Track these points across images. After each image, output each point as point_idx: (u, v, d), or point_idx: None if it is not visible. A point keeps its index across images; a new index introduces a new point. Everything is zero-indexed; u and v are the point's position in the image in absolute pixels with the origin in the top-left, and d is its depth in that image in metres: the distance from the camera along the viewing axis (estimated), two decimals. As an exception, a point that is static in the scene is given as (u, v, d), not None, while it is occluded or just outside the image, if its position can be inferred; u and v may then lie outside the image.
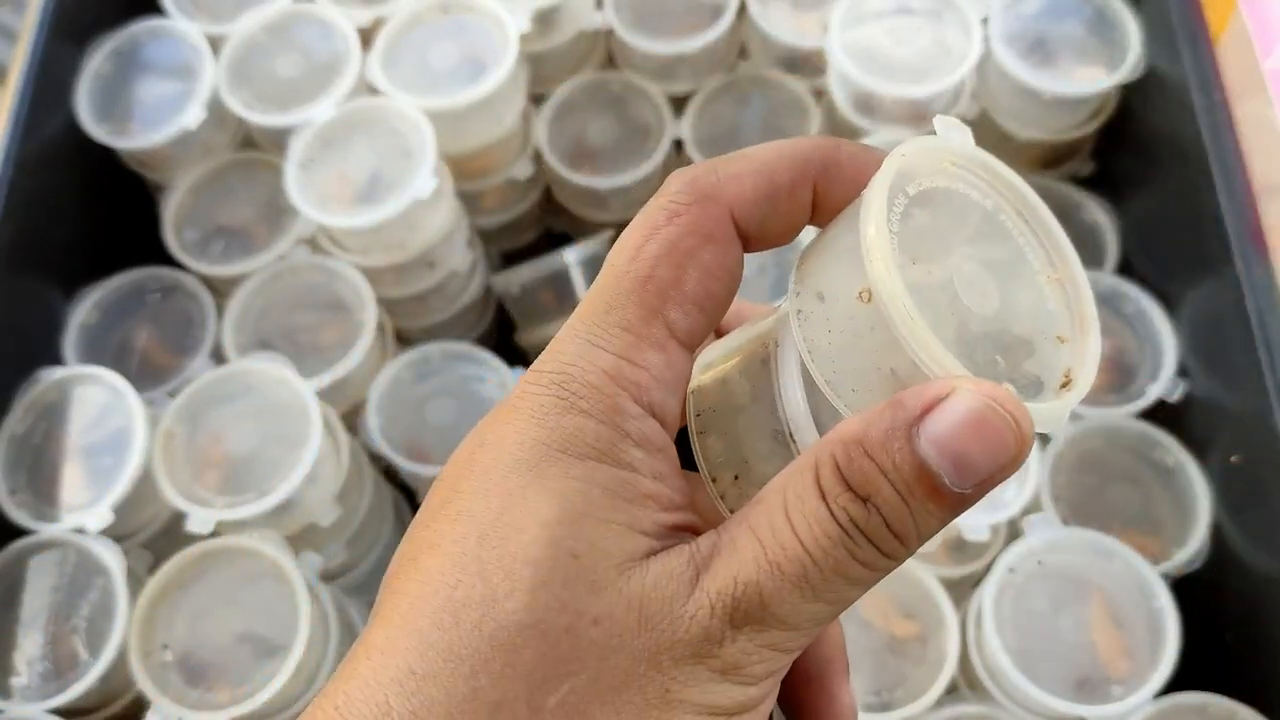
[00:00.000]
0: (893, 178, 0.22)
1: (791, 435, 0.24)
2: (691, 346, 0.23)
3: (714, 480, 0.25)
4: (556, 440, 0.21)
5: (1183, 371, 0.58)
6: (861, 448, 0.20)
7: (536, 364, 0.23)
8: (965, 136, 0.24)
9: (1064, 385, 0.23)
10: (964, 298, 0.22)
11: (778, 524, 0.21)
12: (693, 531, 0.22)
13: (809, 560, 0.20)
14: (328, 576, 0.62)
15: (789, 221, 0.24)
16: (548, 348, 0.23)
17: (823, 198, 0.24)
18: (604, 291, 0.22)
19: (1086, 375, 0.23)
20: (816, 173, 0.23)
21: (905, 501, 0.20)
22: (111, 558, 0.53)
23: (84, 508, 0.54)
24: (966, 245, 0.23)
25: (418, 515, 0.23)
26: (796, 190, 0.23)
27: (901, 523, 0.20)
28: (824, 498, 0.20)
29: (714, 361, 0.26)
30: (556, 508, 0.21)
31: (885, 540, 0.20)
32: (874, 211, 0.21)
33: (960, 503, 0.20)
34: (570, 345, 0.22)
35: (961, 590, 0.60)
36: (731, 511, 0.24)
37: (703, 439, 0.25)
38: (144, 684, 0.50)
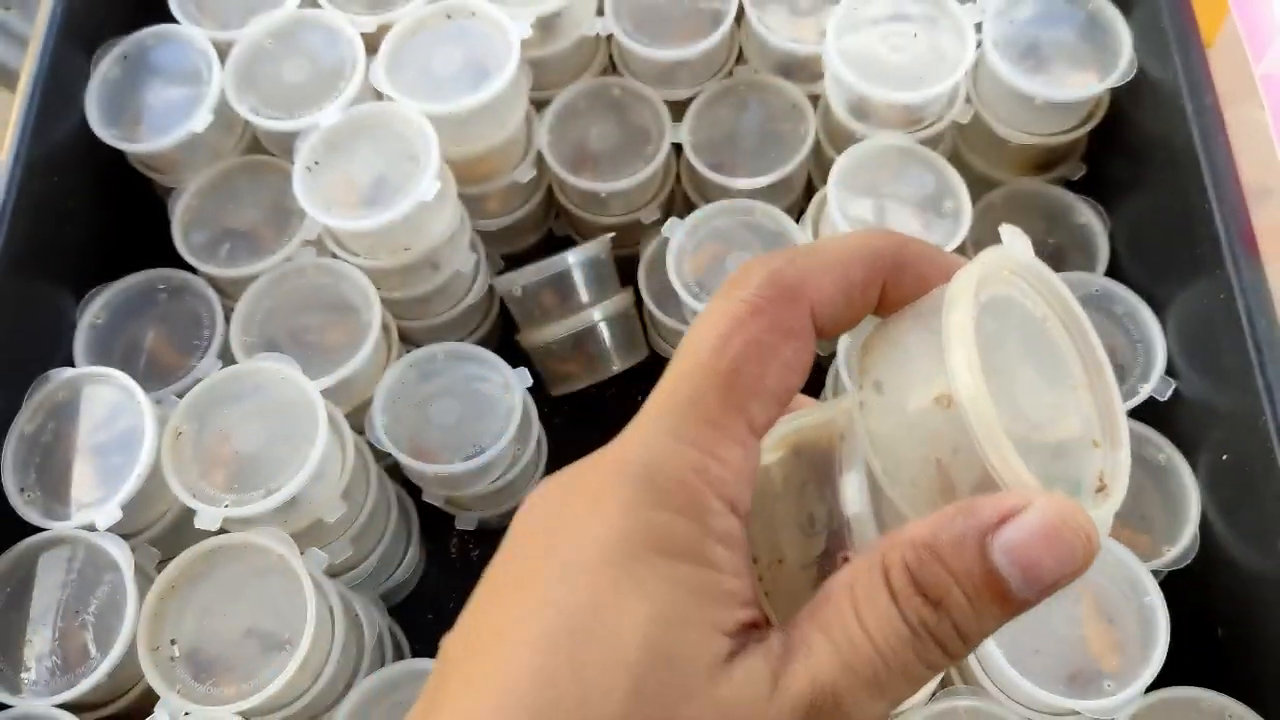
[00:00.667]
0: (975, 288, 0.23)
1: (849, 525, 0.24)
2: (760, 440, 0.23)
3: (754, 560, 0.25)
4: (647, 537, 0.21)
5: (1173, 371, 0.59)
6: (932, 551, 0.21)
7: (618, 449, 0.22)
8: (1027, 246, 0.25)
9: (1099, 489, 0.24)
10: (1023, 405, 0.23)
11: (849, 624, 0.21)
12: (760, 625, 0.22)
13: (880, 661, 0.21)
14: (333, 572, 0.63)
15: (859, 314, 0.24)
16: (629, 432, 0.23)
17: (890, 291, 0.24)
18: (688, 381, 0.22)
19: (1121, 483, 0.24)
20: (888, 269, 0.24)
21: (973, 605, 0.21)
22: (120, 554, 0.54)
23: (93, 506, 0.55)
24: (1023, 352, 0.24)
25: (481, 589, 0.23)
26: (870, 286, 0.24)
27: (968, 625, 0.21)
28: (895, 599, 0.21)
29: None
30: (650, 608, 0.20)
31: (951, 641, 0.21)
32: (962, 326, 0.22)
33: (1023, 606, 0.21)
34: (655, 436, 0.22)
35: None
36: (767, 594, 0.25)
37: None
38: (152, 678, 0.51)
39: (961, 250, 0.67)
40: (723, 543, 0.22)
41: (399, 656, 0.65)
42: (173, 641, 0.52)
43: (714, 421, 0.22)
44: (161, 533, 0.59)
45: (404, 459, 0.62)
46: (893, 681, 0.21)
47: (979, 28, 0.64)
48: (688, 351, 0.23)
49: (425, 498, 0.69)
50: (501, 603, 0.22)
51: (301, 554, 0.54)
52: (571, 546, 0.21)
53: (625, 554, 0.21)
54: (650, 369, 0.80)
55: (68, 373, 0.59)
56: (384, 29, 0.67)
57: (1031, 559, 0.21)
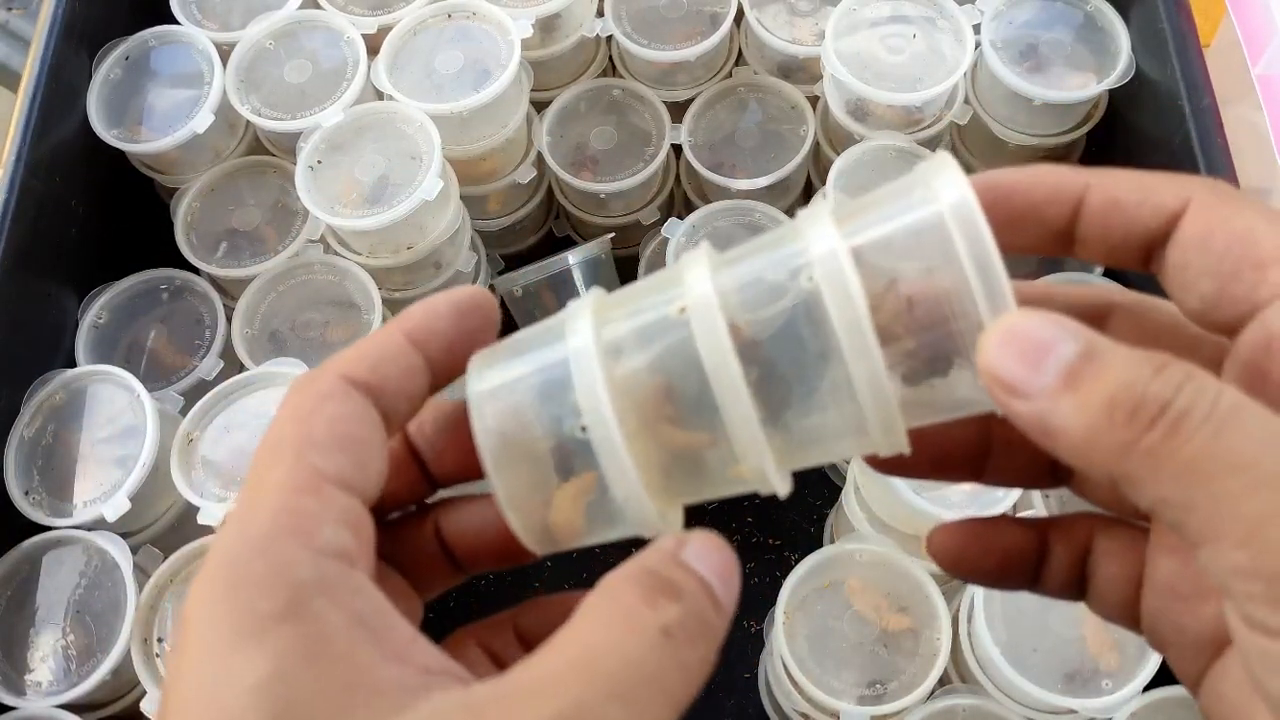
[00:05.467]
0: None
1: None
2: (344, 487, 0.23)
3: None
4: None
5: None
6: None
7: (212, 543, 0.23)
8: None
9: None
10: None
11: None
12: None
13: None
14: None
15: (399, 367, 0.25)
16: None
17: (422, 345, 0.26)
18: (253, 470, 0.23)
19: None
20: (407, 333, 0.26)
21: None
22: (121, 555, 0.54)
23: (100, 500, 0.55)
24: None
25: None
26: (392, 339, 0.25)
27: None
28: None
29: None
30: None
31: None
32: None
33: None
34: (233, 517, 0.23)
35: (954, 585, 0.61)
36: None
37: None
38: (141, 674, 0.51)
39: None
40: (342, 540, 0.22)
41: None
42: (160, 639, 0.53)
43: (281, 485, 0.23)
44: (162, 532, 0.59)
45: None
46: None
47: (977, 29, 0.64)
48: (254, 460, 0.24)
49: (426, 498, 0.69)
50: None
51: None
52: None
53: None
54: (650, 369, 0.81)
55: (71, 371, 0.59)
56: (385, 29, 0.67)
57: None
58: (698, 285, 0.23)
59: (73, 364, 0.63)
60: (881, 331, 0.21)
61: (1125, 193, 0.24)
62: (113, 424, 0.58)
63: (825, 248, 0.22)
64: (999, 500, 0.55)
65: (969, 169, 0.71)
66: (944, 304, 0.21)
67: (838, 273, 0.21)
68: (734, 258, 0.24)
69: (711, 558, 0.22)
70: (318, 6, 0.69)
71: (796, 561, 0.56)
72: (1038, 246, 0.25)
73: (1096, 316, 0.26)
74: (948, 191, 0.22)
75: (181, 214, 0.68)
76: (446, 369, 0.26)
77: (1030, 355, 0.20)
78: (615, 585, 0.22)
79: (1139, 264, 0.25)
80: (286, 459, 0.23)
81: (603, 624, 0.21)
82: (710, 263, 0.23)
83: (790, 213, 0.70)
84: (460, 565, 0.27)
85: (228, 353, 0.64)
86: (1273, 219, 0.22)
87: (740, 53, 0.73)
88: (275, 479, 0.23)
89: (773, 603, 0.55)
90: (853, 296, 0.21)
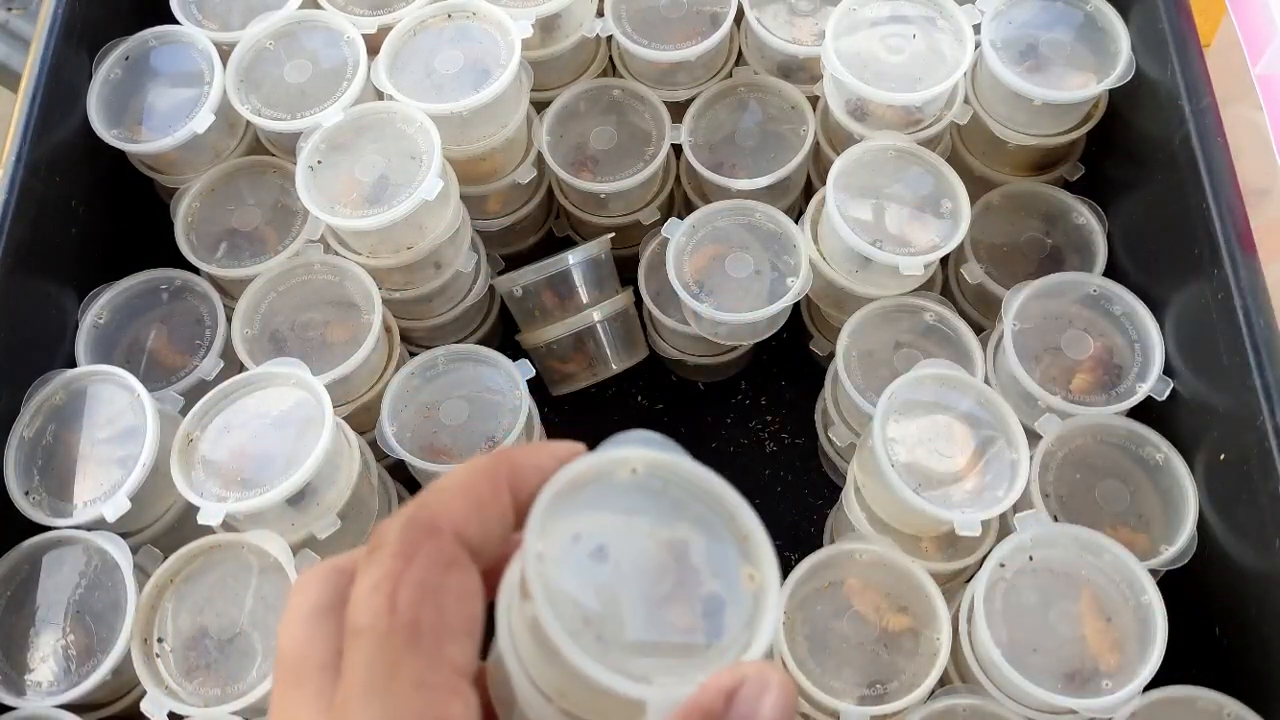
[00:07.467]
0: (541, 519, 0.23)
1: None
2: (471, 676, 0.23)
3: None
4: None
5: (1170, 371, 0.59)
6: None
7: None
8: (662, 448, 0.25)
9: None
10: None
11: None
12: None
13: None
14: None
15: (501, 526, 0.24)
16: (343, 718, 0.21)
17: (518, 494, 0.25)
18: (377, 654, 0.21)
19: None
20: (507, 475, 0.25)
21: None
22: (121, 554, 0.54)
23: (100, 500, 0.55)
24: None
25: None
26: (498, 495, 0.24)
27: None
28: None
29: None
30: None
31: None
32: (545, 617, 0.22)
33: None
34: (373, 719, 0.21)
35: (953, 585, 0.61)
36: None
37: None
38: (141, 674, 0.51)
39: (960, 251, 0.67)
40: None
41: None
42: (160, 640, 0.53)
43: (422, 682, 0.21)
44: (162, 532, 0.59)
45: (418, 463, 0.63)
46: None
47: (977, 29, 0.64)
48: (361, 629, 0.22)
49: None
50: None
51: (294, 555, 0.54)
52: None
53: None
54: (650, 369, 0.81)
55: (71, 371, 0.59)
56: (385, 29, 0.67)
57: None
58: None
59: (73, 364, 0.63)
60: None
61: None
62: (113, 424, 0.58)
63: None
64: (999, 500, 0.55)
65: (969, 169, 0.71)
66: None
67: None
68: None
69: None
70: (318, 6, 0.69)
71: (796, 561, 0.56)
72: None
73: None
74: None
75: (181, 214, 0.68)
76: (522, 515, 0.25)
77: None
78: None
79: None
80: (425, 647, 0.21)
81: None
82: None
83: (790, 212, 0.70)
84: None
85: (228, 353, 0.64)
86: None
87: (740, 53, 0.73)
88: (411, 669, 0.21)
89: (773, 603, 0.55)
90: None
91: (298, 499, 0.55)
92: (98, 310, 0.65)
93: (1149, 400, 0.58)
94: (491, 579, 0.24)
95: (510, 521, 0.25)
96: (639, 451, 0.25)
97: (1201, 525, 0.56)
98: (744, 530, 0.24)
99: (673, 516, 0.24)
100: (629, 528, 0.24)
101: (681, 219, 0.67)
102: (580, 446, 0.25)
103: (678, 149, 0.72)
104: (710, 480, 0.24)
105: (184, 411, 0.58)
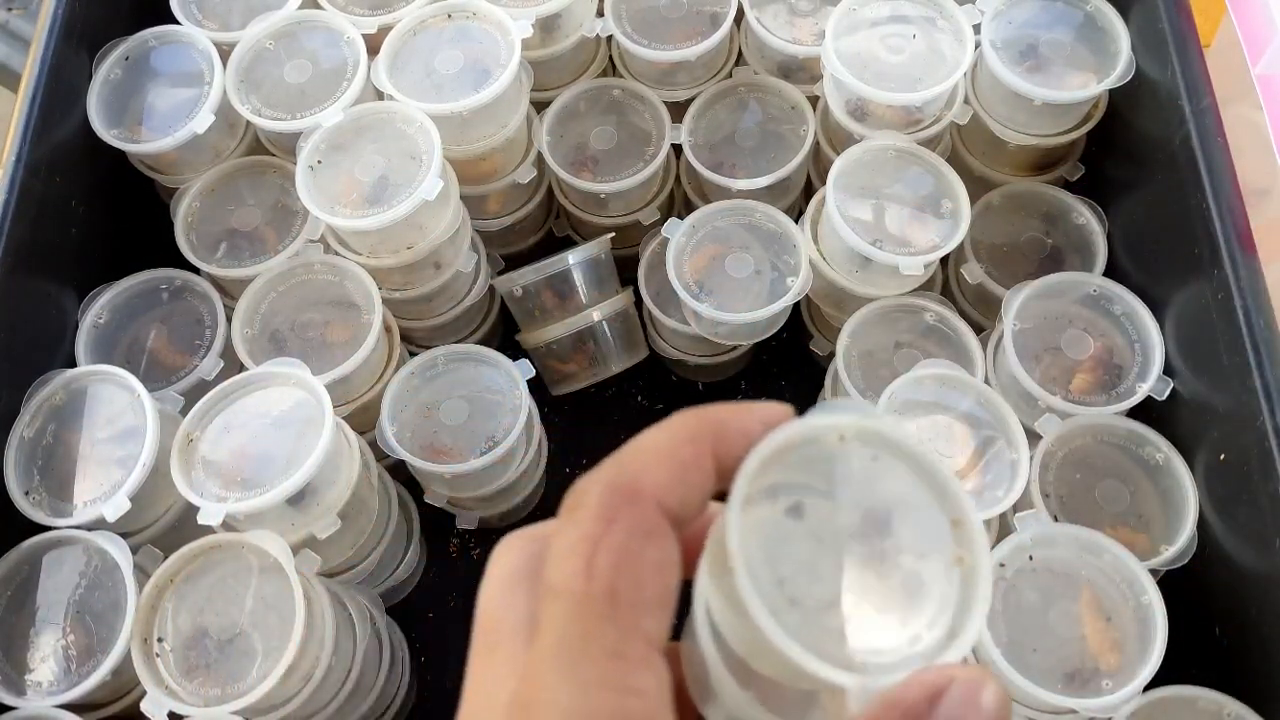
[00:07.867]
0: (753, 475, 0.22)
1: None
2: (663, 650, 0.22)
3: None
4: None
5: (1170, 371, 0.59)
6: None
7: (526, 703, 0.21)
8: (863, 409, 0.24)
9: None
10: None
11: None
12: None
13: None
14: (334, 571, 0.63)
15: (701, 493, 0.23)
16: (533, 682, 0.21)
17: (722, 459, 0.24)
18: (572, 619, 0.21)
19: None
20: (711, 438, 0.23)
21: None
22: (121, 554, 0.54)
23: (100, 500, 0.55)
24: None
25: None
26: (701, 460, 0.23)
27: None
28: None
29: None
30: None
31: None
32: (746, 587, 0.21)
33: None
34: (562, 689, 0.20)
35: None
36: None
37: None
38: (141, 674, 0.51)
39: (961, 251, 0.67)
40: None
41: (394, 656, 0.65)
42: (160, 639, 0.53)
43: (615, 652, 0.20)
44: (162, 532, 0.59)
45: (418, 463, 0.63)
46: None
47: (977, 29, 0.64)
48: (561, 589, 0.21)
49: (427, 499, 0.70)
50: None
51: (294, 556, 0.54)
52: None
53: None
54: (650, 369, 0.81)
55: (71, 371, 0.59)
56: (385, 29, 0.67)
57: None
58: None
59: (73, 364, 0.63)
60: None
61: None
62: (113, 424, 0.58)
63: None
64: (999, 500, 0.55)
65: (969, 169, 0.71)
66: None
67: None
68: None
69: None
70: (318, 6, 0.69)
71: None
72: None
73: None
74: None
75: (181, 214, 0.68)
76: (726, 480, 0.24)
77: None
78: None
79: None
80: (622, 617, 0.21)
81: None
82: None
83: (790, 212, 0.70)
84: None
85: (228, 353, 0.64)
86: None
87: (740, 53, 0.73)
88: (605, 638, 0.21)
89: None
90: None
91: (298, 499, 0.55)
92: (98, 310, 0.65)
93: (1149, 400, 0.58)
94: (687, 547, 0.23)
95: (711, 489, 0.23)
96: (850, 418, 0.23)
97: (1201, 525, 0.56)
98: (957, 511, 0.23)
99: (879, 487, 0.23)
100: (831, 494, 0.23)
101: (681, 219, 0.67)
102: (788, 409, 0.24)
103: (678, 149, 0.72)
104: (924, 454, 0.23)
105: (184, 411, 0.58)
